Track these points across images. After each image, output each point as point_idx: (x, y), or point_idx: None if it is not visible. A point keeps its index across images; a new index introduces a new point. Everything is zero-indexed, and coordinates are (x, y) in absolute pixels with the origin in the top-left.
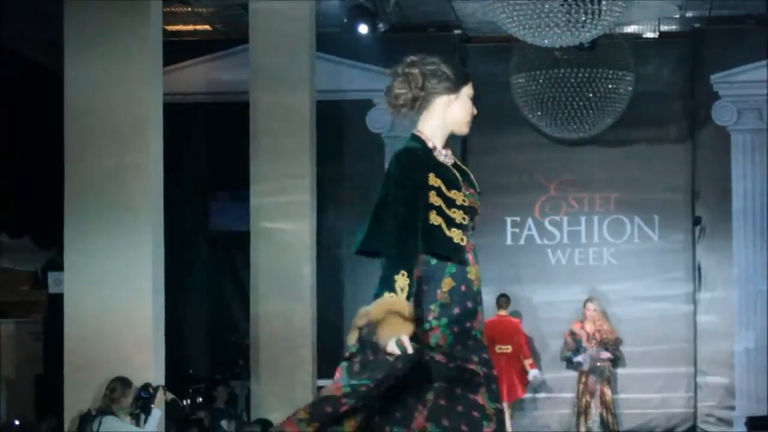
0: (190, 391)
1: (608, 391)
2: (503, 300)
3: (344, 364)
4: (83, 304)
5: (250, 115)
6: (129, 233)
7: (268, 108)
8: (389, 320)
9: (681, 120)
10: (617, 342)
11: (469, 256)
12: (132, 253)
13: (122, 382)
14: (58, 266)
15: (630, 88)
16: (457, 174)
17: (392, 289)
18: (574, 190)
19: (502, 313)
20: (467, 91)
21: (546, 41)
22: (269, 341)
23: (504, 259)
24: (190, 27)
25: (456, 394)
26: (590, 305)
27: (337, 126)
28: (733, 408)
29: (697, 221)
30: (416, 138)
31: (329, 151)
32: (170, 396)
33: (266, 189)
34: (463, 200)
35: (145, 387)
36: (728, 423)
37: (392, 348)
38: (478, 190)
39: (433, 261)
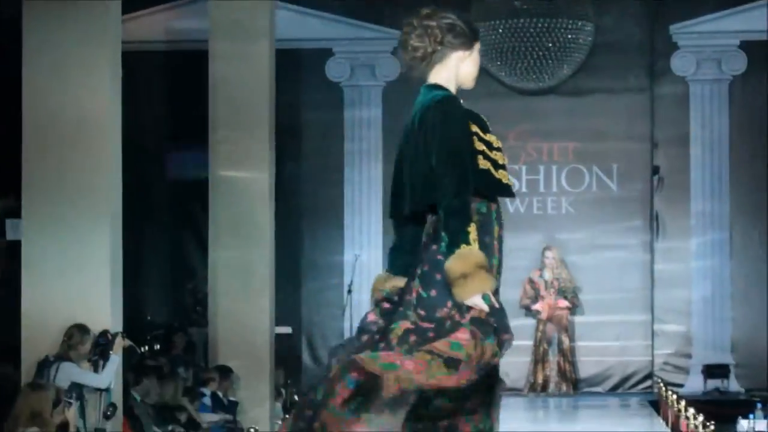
0: (148, 338)
1: (566, 339)
2: None
3: (377, 309)
4: (41, 250)
5: (209, 64)
6: (87, 180)
7: (227, 56)
8: (477, 275)
9: (640, 70)
10: (575, 290)
11: None
12: (90, 199)
13: (80, 329)
14: (16, 213)
15: (589, 39)
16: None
17: (468, 242)
18: (532, 139)
19: None
20: (478, 46)
21: None
22: (227, 289)
23: None
24: None
25: None
26: (548, 253)
27: (296, 75)
28: (690, 356)
29: (655, 171)
30: (440, 87)
31: (288, 100)
32: (128, 343)
33: (224, 137)
34: (497, 142)
35: (103, 334)
36: (685, 371)
37: (478, 302)
38: None
39: (484, 209)
